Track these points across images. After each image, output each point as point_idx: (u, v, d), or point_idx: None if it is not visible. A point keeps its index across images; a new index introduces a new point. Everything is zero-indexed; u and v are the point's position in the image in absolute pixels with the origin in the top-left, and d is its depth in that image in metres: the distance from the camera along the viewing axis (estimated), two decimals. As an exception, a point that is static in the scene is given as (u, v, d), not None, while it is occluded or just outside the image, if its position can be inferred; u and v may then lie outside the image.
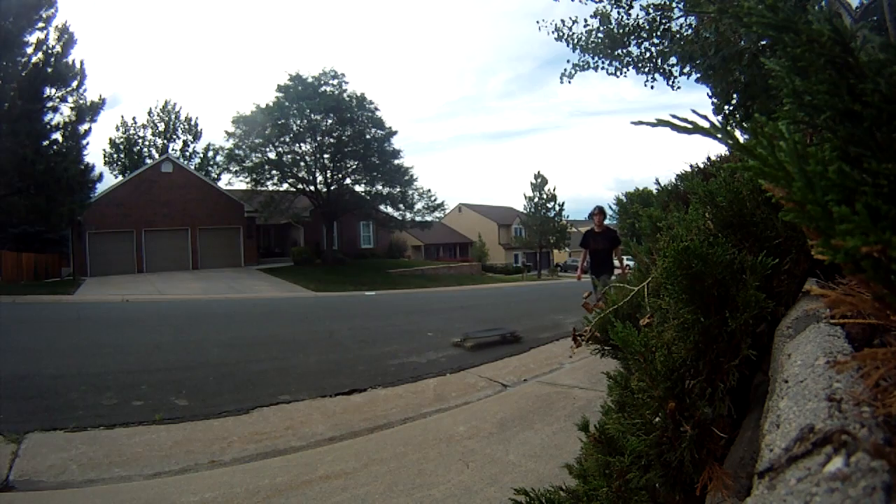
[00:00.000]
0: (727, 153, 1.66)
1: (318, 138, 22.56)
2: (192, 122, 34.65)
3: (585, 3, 6.81)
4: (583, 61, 7.20)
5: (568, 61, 7.33)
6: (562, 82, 7.96)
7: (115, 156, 32.62)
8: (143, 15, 79.75)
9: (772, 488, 0.37)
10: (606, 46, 6.79)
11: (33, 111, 14.35)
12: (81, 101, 16.05)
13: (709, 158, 2.02)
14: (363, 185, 24.55)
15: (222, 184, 24.81)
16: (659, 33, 6.49)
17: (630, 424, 0.82)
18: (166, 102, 37.59)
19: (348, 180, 24.22)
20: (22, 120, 13.73)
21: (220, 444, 2.71)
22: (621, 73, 6.99)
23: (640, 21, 6.54)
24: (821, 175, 0.37)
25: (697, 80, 5.77)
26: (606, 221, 6.73)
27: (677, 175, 1.95)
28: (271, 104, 21.88)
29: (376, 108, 23.21)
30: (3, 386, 3.64)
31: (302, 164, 23.11)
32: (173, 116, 34.08)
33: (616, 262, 6.65)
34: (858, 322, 0.51)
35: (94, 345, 5.79)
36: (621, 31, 6.65)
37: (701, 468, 0.70)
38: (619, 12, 6.66)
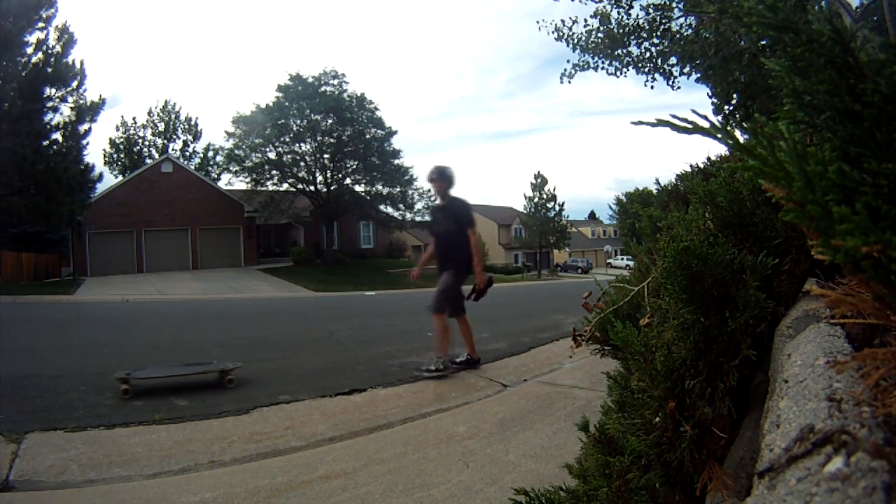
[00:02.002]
0: (727, 153, 1.66)
1: (318, 138, 22.58)
2: (192, 122, 34.72)
3: (585, 3, 6.82)
4: (583, 61, 7.21)
5: (568, 61, 7.34)
6: (562, 82, 7.98)
7: (115, 156, 32.67)
8: (143, 15, 79.80)
9: (772, 488, 0.37)
10: (606, 46, 6.80)
11: (33, 111, 14.37)
12: (81, 101, 16.08)
13: (709, 158, 2.02)
14: (363, 185, 24.58)
15: (222, 184, 24.84)
16: (659, 33, 6.49)
17: (630, 424, 0.82)
18: (166, 102, 37.66)
19: (348, 180, 24.25)
20: (22, 120, 13.74)
21: (220, 444, 2.71)
22: (621, 73, 7.00)
23: (640, 21, 6.54)
24: (821, 175, 0.37)
25: (697, 80, 5.77)
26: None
27: (677, 175, 1.95)
28: (271, 104, 21.91)
29: (376, 108, 23.26)
30: (3, 386, 3.64)
31: (302, 164, 23.13)
32: (173, 116, 34.13)
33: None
34: (858, 322, 0.51)
35: (93, 345, 5.79)
36: (621, 31, 6.65)
37: (701, 468, 0.70)
38: (619, 12, 6.67)
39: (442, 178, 4.36)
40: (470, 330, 4.40)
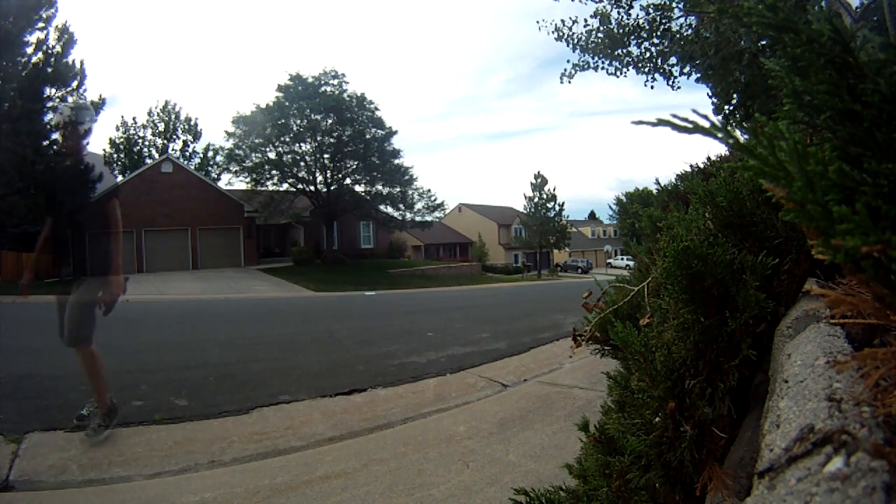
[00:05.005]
0: (727, 153, 1.66)
1: (318, 138, 22.58)
2: (192, 122, 34.69)
3: (585, 3, 6.81)
4: (583, 61, 7.20)
5: (568, 61, 7.33)
6: (562, 82, 7.96)
7: (115, 156, 32.62)
8: (143, 15, 79.88)
9: (772, 488, 0.37)
10: (606, 46, 6.79)
11: (33, 111, 14.36)
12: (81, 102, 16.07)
13: (709, 158, 2.01)
14: (363, 185, 24.59)
15: (222, 184, 24.84)
16: (659, 33, 6.48)
17: (630, 424, 0.82)
18: (166, 102, 37.64)
19: (348, 180, 24.25)
20: (22, 120, 13.74)
21: (220, 444, 2.71)
22: (621, 73, 6.99)
23: (640, 21, 6.53)
24: (821, 175, 0.37)
25: (697, 80, 5.76)
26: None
27: (677, 175, 1.95)
28: (271, 104, 21.90)
29: (376, 108, 23.25)
30: (3, 386, 3.64)
31: (302, 164, 23.13)
32: (173, 116, 34.11)
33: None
34: (858, 322, 0.51)
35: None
36: (621, 31, 6.64)
37: (701, 468, 0.70)
38: (619, 12, 6.66)
39: (77, 121, 2.79)
40: (99, 367, 2.91)
